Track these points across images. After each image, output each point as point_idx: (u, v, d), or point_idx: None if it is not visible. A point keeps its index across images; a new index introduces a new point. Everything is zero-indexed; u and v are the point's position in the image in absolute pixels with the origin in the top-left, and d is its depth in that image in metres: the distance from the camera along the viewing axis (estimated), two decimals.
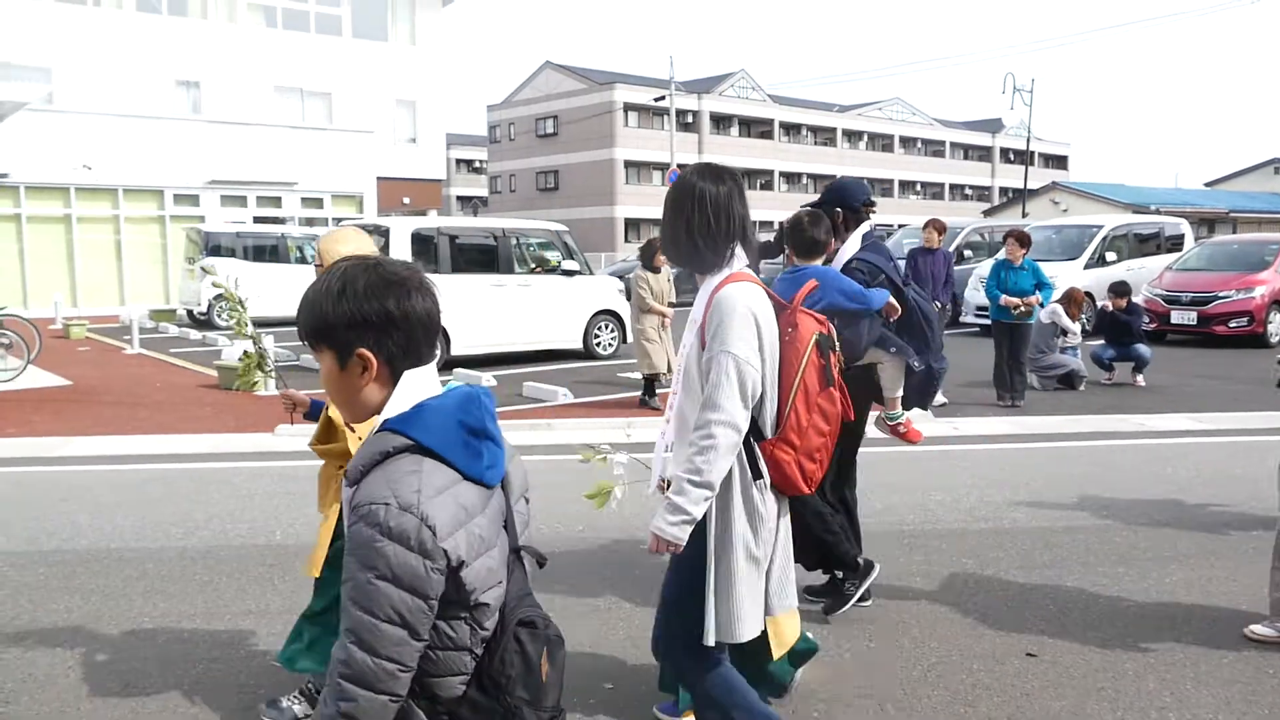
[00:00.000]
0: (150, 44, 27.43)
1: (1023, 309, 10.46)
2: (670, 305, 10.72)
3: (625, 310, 14.92)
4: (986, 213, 51.41)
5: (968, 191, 75.53)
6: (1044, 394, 11.45)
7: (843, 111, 70.11)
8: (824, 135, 68.93)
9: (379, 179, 30.20)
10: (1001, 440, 9.18)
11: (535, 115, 61.43)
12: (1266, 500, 5.97)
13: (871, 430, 9.19)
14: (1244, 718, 3.74)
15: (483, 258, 14.09)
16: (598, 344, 14.68)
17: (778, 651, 3.30)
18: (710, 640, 2.84)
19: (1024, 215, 38.13)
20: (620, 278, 17.71)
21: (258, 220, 27.00)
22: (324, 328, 1.82)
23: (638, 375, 11.49)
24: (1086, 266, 17.52)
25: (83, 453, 8.65)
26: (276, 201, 28.65)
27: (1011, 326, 10.62)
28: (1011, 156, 75.63)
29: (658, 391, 10.60)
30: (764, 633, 3.14)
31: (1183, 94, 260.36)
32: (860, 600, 4.81)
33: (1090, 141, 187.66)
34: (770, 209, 55.35)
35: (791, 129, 67.12)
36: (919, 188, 73.10)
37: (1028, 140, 48.29)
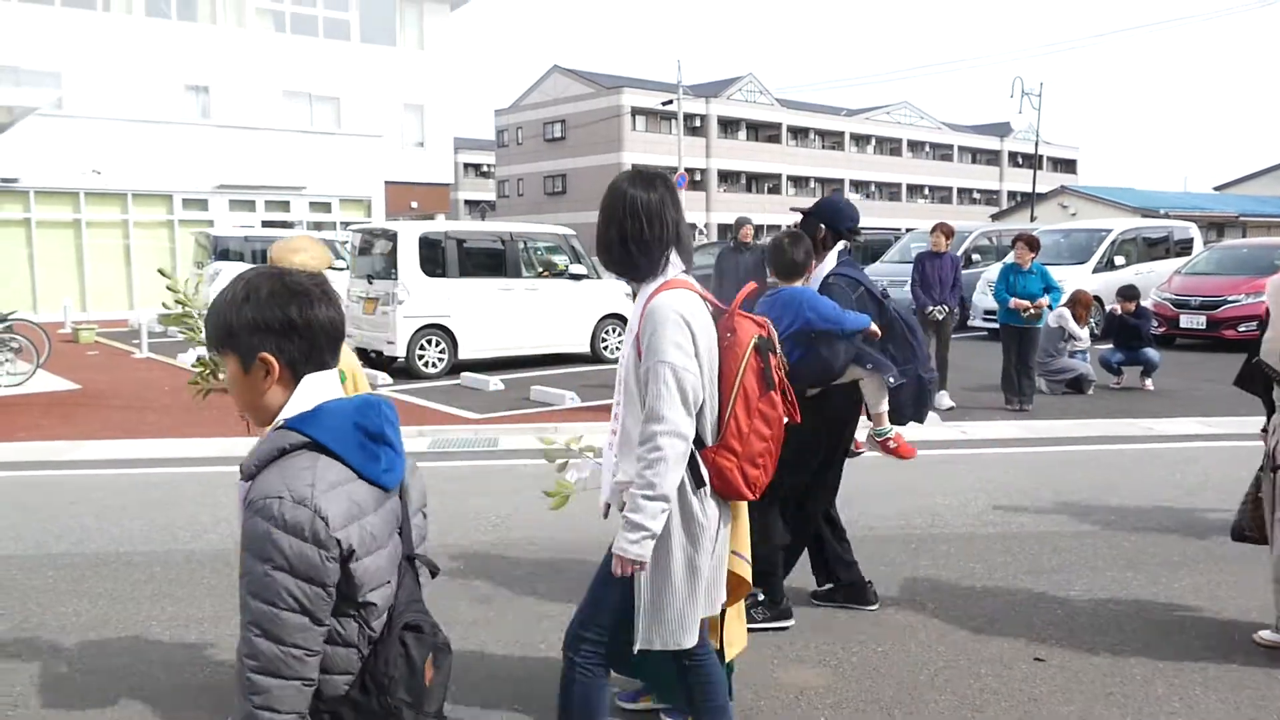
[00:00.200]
0: (159, 49, 27.52)
1: (1032, 312, 10.44)
2: None
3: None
4: (994, 216, 51.36)
5: (976, 195, 75.40)
6: (1052, 398, 11.43)
7: (850, 115, 70.06)
8: (832, 139, 68.87)
9: (387, 183, 30.27)
10: (1009, 444, 9.16)
11: (543, 119, 61.50)
12: None
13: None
14: None
15: (490, 262, 14.11)
16: (605, 348, 14.69)
17: (730, 653, 3.39)
18: (639, 648, 2.82)
19: (1032, 219, 38.06)
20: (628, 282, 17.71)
21: (266, 224, 27.06)
22: (228, 333, 1.89)
23: None
24: (1095, 270, 17.47)
25: (91, 457, 8.67)
26: (285, 206, 28.71)
27: (1020, 330, 10.60)
28: (1020, 160, 75.47)
29: None
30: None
31: (1191, 98, 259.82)
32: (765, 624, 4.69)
33: (1099, 145, 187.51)
34: (778, 213, 55.31)
35: (799, 133, 67.08)
36: (927, 191, 72.99)
37: (1036, 144, 48.20)
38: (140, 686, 4.05)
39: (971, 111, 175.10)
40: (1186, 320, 15.93)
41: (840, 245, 4.79)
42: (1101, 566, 5.57)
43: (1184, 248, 19.55)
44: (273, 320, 1.86)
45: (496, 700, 4.01)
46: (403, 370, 13.04)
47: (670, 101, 44.96)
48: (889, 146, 71.72)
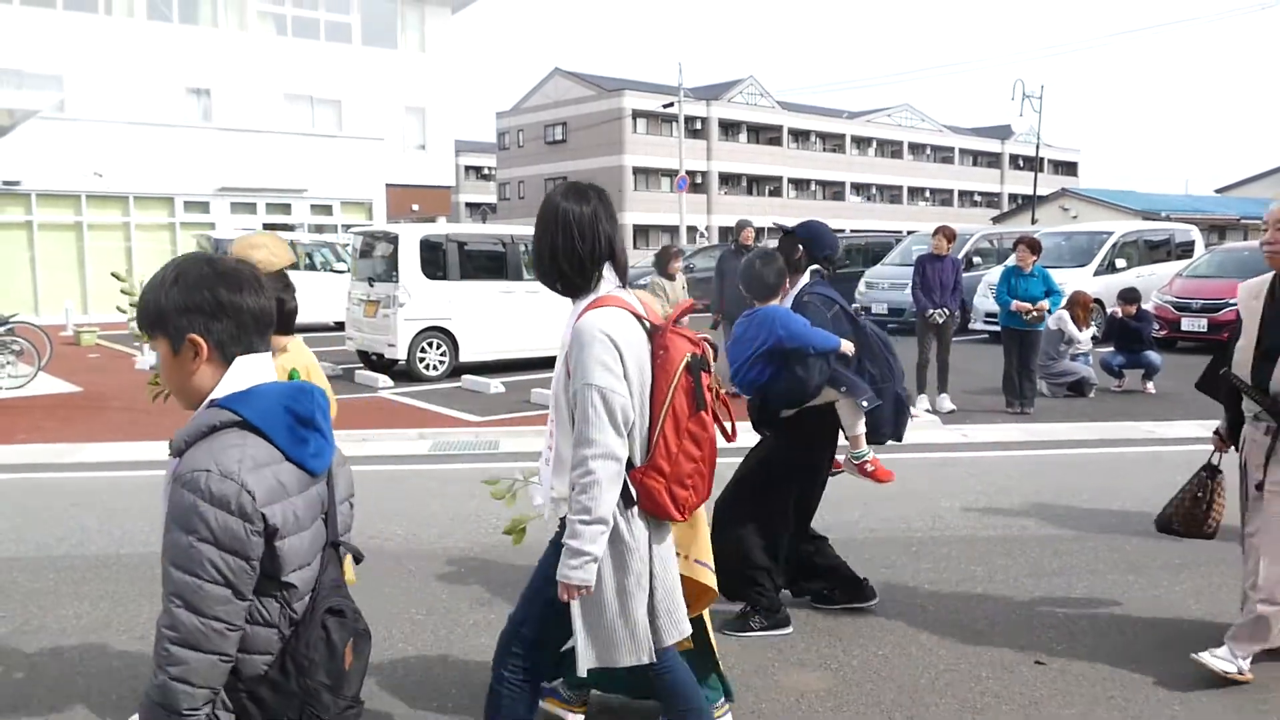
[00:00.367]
0: (161, 52, 27.54)
1: (1033, 315, 10.44)
2: None
3: None
4: (995, 219, 51.38)
5: (976, 198, 75.42)
6: (1053, 401, 11.42)
7: (851, 118, 70.10)
8: (833, 142, 68.89)
9: (388, 186, 30.28)
10: (1011, 447, 9.15)
11: (544, 122, 61.54)
12: None
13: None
14: None
15: (491, 264, 14.12)
16: None
17: (694, 609, 3.37)
18: (583, 670, 2.79)
19: (1033, 222, 38.06)
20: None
21: (267, 227, 27.07)
22: (157, 316, 1.94)
23: None
24: (1096, 273, 17.47)
25: (93, 459, 8.68)
26: (286, 208, 28.73)
27: (1021, 333, 10.60)
28: (1021, 163, 75.48)
29: None
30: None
31: (1193, 100, 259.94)
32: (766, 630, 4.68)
33: (1100, 148, 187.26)
34: (779, 216, 55.27)
35: (800, 135, 67.10)
36: (928, 194, 73.01)
37: (1037, 147, 48.20)
38: (141, 689, 4.05)
39: (972, 114, 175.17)
40: (1188, 323, 15.92)
41: (814, 267, 4.81)
42: (1103, 570, 5.56)
43: (1185, 250, 19.54)
44: (201, 302, 1.92)
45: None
46: (404, 373, 13.04)
47: (671, 104, 44.99)
48: (890, 149, 71.75)
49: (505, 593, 5.27)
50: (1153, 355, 12.05)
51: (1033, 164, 51.61)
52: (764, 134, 65.06)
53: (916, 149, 73.07)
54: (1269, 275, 4.13)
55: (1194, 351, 15.73)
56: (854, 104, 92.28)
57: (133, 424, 10.15)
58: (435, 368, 13.21)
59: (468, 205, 67.06)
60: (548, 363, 14.10)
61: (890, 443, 4.98)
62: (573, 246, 2.78)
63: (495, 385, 12.14)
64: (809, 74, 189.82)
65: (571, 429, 2.73)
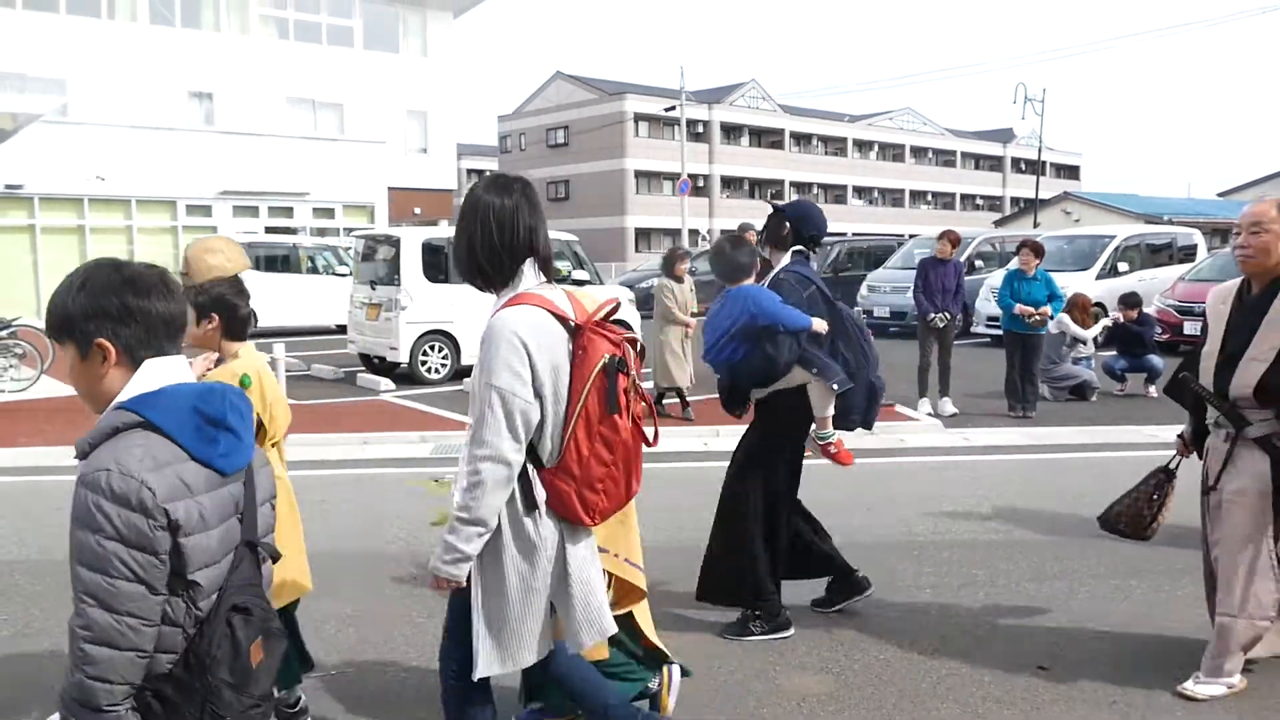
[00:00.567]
0: (163, 56, 27.58)
1: (1036, 318, 10.44)
2: (693, 315, 10.69)
3: (636, 320, 14.90)
4: (998, 223, 51.31)
5: (979, 201, 75.38)
6: (1056, 405, 11.41)
7: (853, 121, 70.09)
8: (835, 145, 68.88)
9: (390, 189, 30.29)
10: (1013, 451, 9.14)
11: (546, 125, 61.57)
12: None
13: (878, 441, 9.17)
14: None
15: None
16: None
17: (622, 607, 3.41)
18: (479, 673, 2.76)
19: (1035, 225, 38.02)
20: (630, 287, 17.72)
21: (270, 231, 27.09)
22: (65, 320, 1.97)
23: (648, 385, 11.47)
24: (1098, 277, 17.46)
25: None
26: (288, 212, 28.74)
27: (1024, 337, 10.59)
28: (1023, 166, 75.45)
29: (666, 402, 10.57)
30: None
31: (1195, 104, 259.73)
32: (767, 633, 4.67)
33: (1102, 151, 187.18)
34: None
35: (802, 139, 67.11)
36: (930, 197, 72.99)
37: (1039, 150, 48.17)
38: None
39: (974, 117, 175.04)
40: (1190, 327, 15.88)
41: (797, 247, 4.78)
42: (1104, 574, 5.55)
43: (1187, 254, 19.54)
44: (108, 307, 1.94)
45: (499, 706, 3.99)
46: (406, 376, 13.05)
47: (673, 107, 45.00)
48: (892, 152, 71.75)
49: None
50: (1155, 359, 12.04)
51: (1035, 167, 51.61)
52: (766, 137, 65.07)
53: (918, 152, 73.06)
54: (1238, 280, 4.07)
55: None
56: (856, 107, 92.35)
57: None
58: (437, 370, 13.21)
59: None
60: None
61: (861, 430, 4.93)
62: (490, 240, 2.73)
63: None
64: (811, 77, 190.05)
65: None
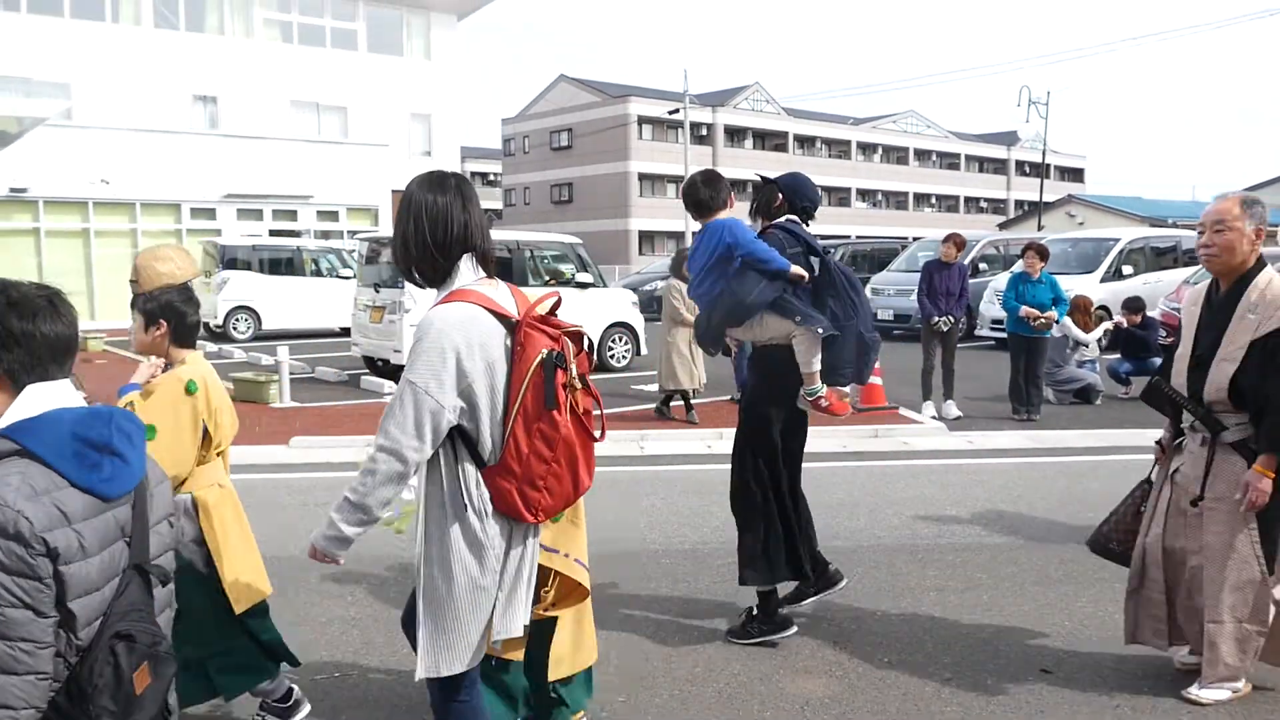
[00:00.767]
0: (168, 59, 27.63)
1: (1042, 321, 10.42)
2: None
3: (639, 323, 14.93)
4: (1002, 226, 51.29)
5: (983, 204, 75.36)
6: (1060, 408, 11.40)
7: (857, 124, 70.11)
8: (839, 148, 68.91)
9: (394, 192, 30.29)
10: (1017, 454, 9.13)
11: (549, 128, 61.63)
12: None
13: (882, 445, 9.15)
14: None
15: (497, 270, 14.08)
16: (611, 356, 14.69)
17: (552, 674, 3.41)
18: (420, 674, 2.73)
19: (1039, 228, 38.02)
20: (634, 290, 17.72)
21: (274, 233, 27.14)
22: None
23: (653, 388, 11.47)
24: (1103, 280, 17.44)
25: None
26: (292, 215, 28.78)
27: (1028, 340, 10.58)
28: (1027, 169, 75.44)
29: (672, 404, 10.57)
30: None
31: (1200, 107, 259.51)
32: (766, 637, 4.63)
33: (1107, 154, 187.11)
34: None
35: (806, 142, 67.14)
36: (934, 200, 72.98)
37: (1043, 153, 48.20)
38: None
39: (978, 120, 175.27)
40: None
41: (789, 216, 4.75)
42: (1108, 578, 5.53)
43: (1192, 257, 19.46)
44: None
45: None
46: None
47: (677, 110, 45.06)
48: (896, 155, 71.74)
49: None
50: (1159, 362, 12.00)
51: (1039, 170, 51.62)
52: (769, 140, 65.11)
53: (922, 155, 73.06)
54: (1209, 281, 4.04)
55: None
56: (860, 110, 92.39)
57: None
58: None
59: None
60: None
61: (853, 384, 4.88)
62: (424, 237, 2.71)
63: None
64: (815, 80, 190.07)
65: None
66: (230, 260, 21.20)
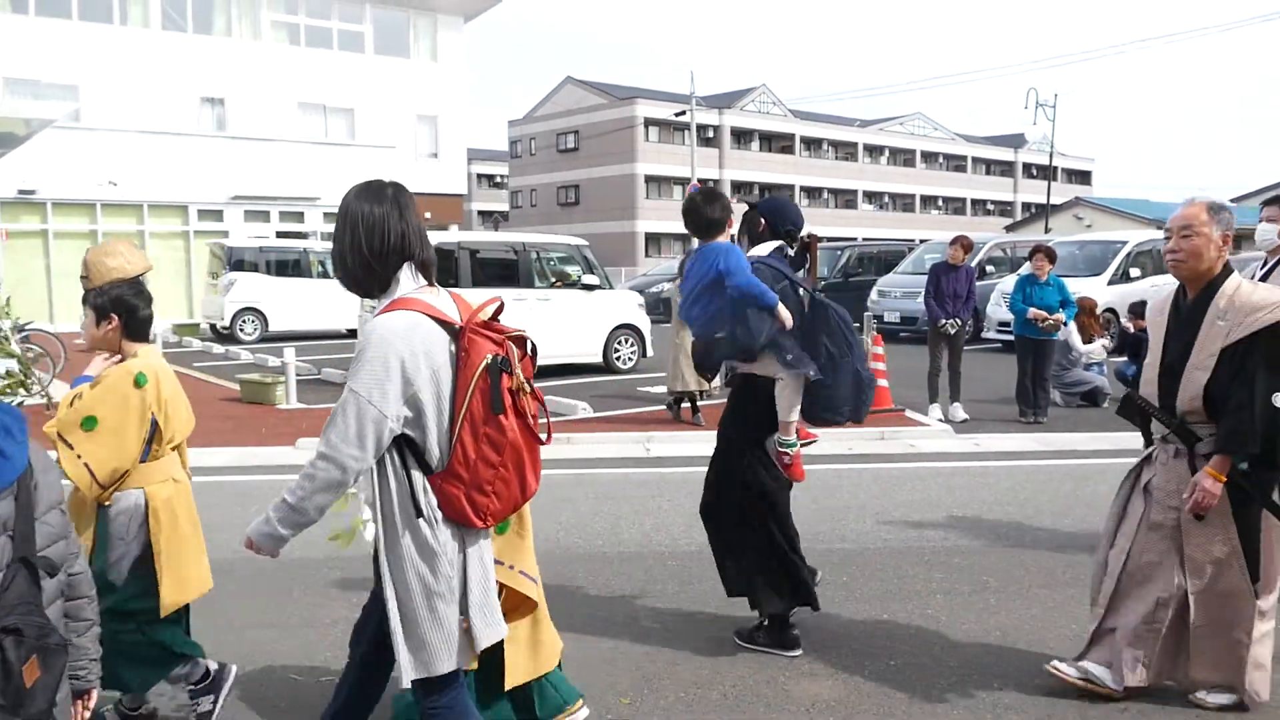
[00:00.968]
0: (175, 62, 27.72)
1: (1050, 323, 10.40)
2: None
3: (645, 325, 14.92)
4: (1009, 228, 51.24)
5: (990, 207, 75.28)
6: (1067, 410, 11.37)
7: (864, 126, 70.09)
8: (845, 150, 68.88)
9: None
10: (1024, 457, 9.11)
11: (556, 130, 61.69)
12: None
13: (888, 447, 9.13)
14: None
15: (503, 272, 14.13)
16: (618, 358, 14.69)
17: (509, 682, 3.41)
18: (405, 681, 2.73)
19: (1047, 231, 37.97)
20: (640, 292, 17.73)
21: (280, 235, 27.20)
22: None
23: (659, 390, 11.47)
24: (1110, 283, 17.40)
25: None
26: (299, 216, 28.85)
27: (1035, 342, 10.55)
28: (1034, 172, 75.34)
29: (682, 406, 10.55)
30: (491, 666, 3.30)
31: (1207, 110, 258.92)
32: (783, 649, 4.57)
33: (1114, 157, 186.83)
34: None
35: (812, 144, 67.13)
36: (940, 203, 72.91)
37: (1050, 155, 48.13)
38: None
39: (985, 123, 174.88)
40: None
41: (776, 244, 4.73)
42: None
43: None
44: None
45: None
46: None
47: (683, 112, 45.06)
48: (902, 157, 71.70)
49: None
50: None
51: (1046, 173, 51.53)
52: (776, 142, 65.10)
53: (929, 157, 73.00)
54: (1174, 290, 3.99)
55: None
56: (867, 112, 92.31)
57: None
58: None
59: (480, 213, 67.23)
60: (560, 370, 14.18)
61: (851, 425, 4.78)
62: (360, 248, 2.71)
63: None
64: (821, 82, 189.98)
65: None
66: (237, 262, 21.25)
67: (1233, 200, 54.23)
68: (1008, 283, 16.01)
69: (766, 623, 4.62)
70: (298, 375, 12.50)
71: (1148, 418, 3.97)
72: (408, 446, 2.66)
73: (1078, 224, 38.70)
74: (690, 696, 4.11)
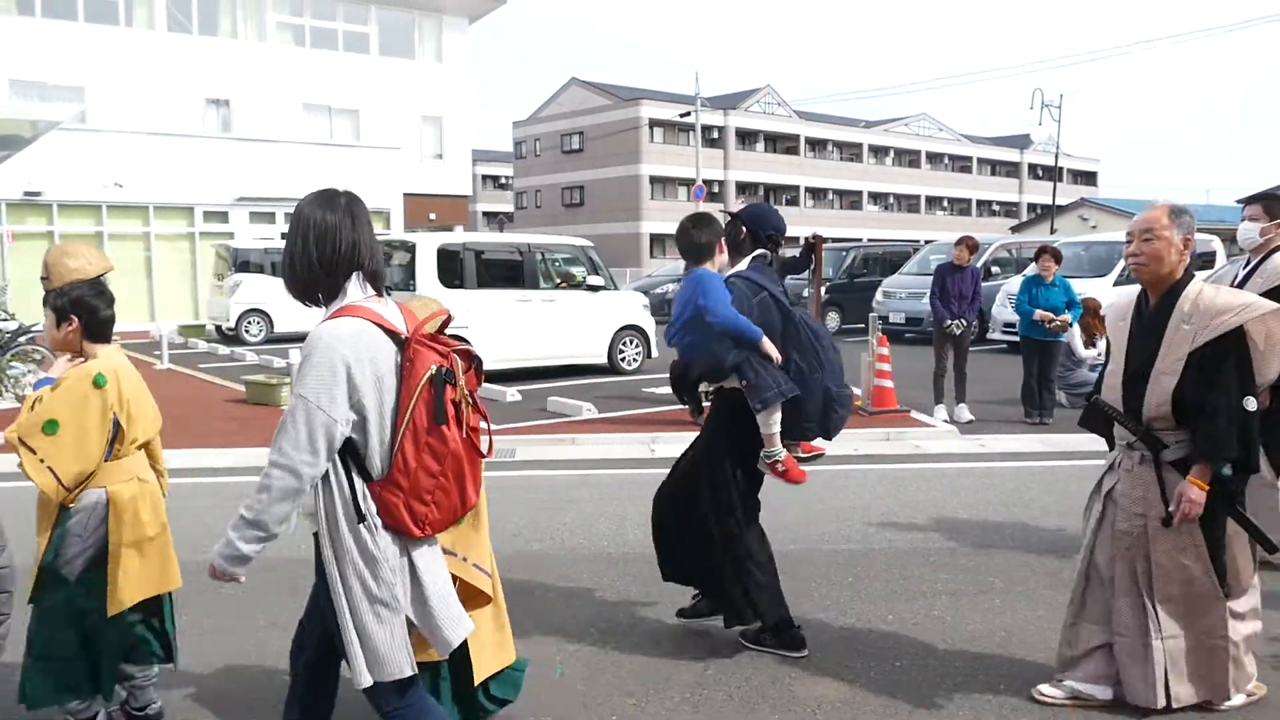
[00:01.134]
0: (181, 63, 27.77)
1: (1056, 324, 10.38)
2: None
3: (650, 326, 14.92)
4: (1014, 229, 51.17)
5: (995, 207, 75.18)
6: (1072, 411, 11.31)
7: (869, 127, 70.02)
8: (850, 151, 68.83)
9: (406, 195, 30.40)
10: (1029, 458, 9.10)
11: (561, 131, 61.72)
12: None
13: (894, 448, 9.13)
14: None
15: (508, 273, 14.15)
16: (622, 359, 14.69)
17: (478, 676, 3.43)
18: (359, 685, 2.73)
19: (1052, 231, 37.92)
20: (645, 293, 17.73)
21: (286, 236, 27.21)
22: None
23: (664, 391, 11.47)
24: (1116, 283, 17.36)
25: None
26: None
27: (1041, 343, 10.54)
28: (1039, 172, 75.25)
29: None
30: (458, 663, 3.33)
31: (1213, 110, 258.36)
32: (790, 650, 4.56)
33: (1120, 157, 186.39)
34: (795, 225, 55.18)
35: (817, 144, 67.07)
36: (946, 203, 72.83)
37: (1056, 156, 48.04)
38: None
39: (991, 123, 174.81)
40: None
41: (758, 252, 4.73)
42: None
43: (1206, 261, 19.39)
44: None
45: (510, 711, 3.99)
46: None
47: (688, 113, 45.05)
48: (907, 158, 71.63)
49: (521, 600, 5.26)
50: None
51: (1052, 173, 51.46)
52: (781, 143, 65.07)
53: (934, 158, 72.92)
54: (1135, 293, 3.97)
55: None
56: (871, 113, 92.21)
57: None
58: None
59: (485, 214, 67.31)
60: (565, 371, 14.19)
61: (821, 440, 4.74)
62: (310, 256, 2.72)
63: (511, 393, 12.16)
64: (826, 83, 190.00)
65: None
66: (243, 263, 21.28)
67: (1239, 201, 54.17)
68: (1013, 284, 16.00)
69: (770, 624, 4.62)
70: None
71: (1111, 424, 3.94)
72: (349, 453, 2.67)
73: (1083, 225, 38.64)
74: (696, 697, 4.11)
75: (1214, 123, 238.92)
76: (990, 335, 17.82)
